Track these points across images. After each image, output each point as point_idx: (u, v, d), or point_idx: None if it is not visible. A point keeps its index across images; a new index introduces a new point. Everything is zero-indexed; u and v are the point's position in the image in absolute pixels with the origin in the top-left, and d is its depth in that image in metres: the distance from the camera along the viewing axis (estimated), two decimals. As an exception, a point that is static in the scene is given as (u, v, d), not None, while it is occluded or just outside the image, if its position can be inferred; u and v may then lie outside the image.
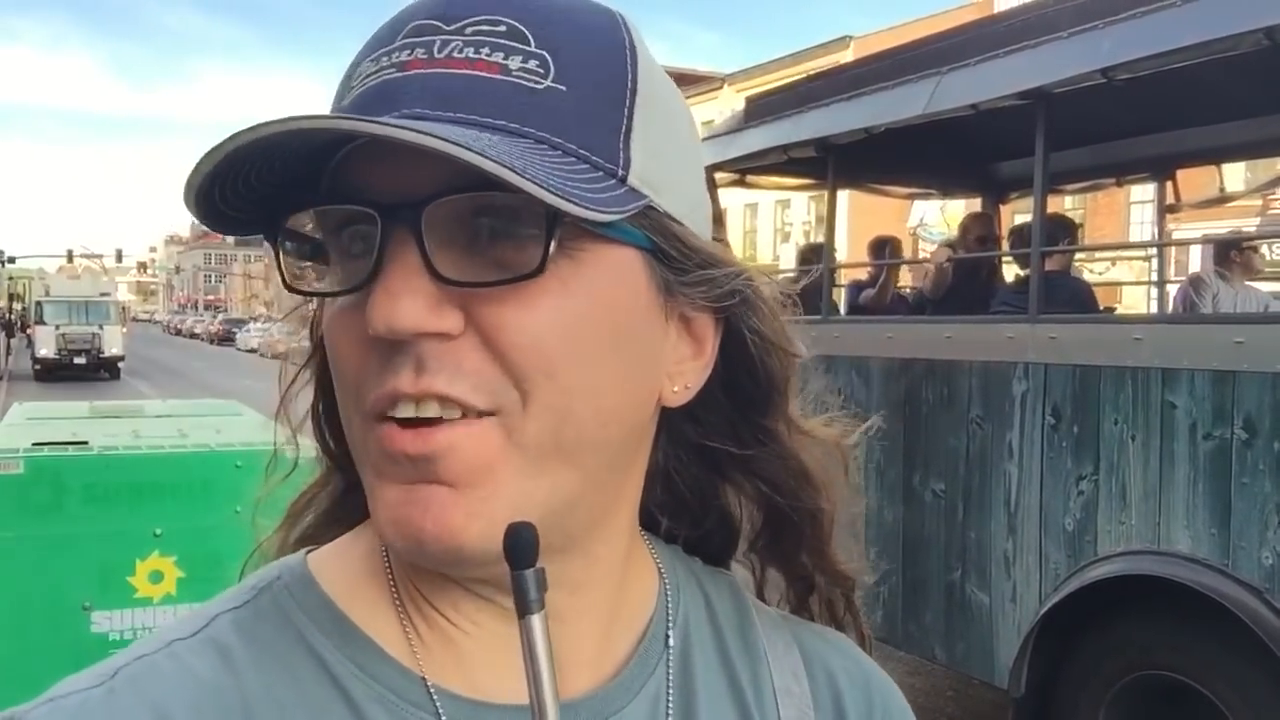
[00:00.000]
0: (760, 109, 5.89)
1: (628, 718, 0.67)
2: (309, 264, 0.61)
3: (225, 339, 62.72)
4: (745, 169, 6.13)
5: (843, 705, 0.75)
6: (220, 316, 79.58)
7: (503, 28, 0.58)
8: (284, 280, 0.60)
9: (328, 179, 0.59)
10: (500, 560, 0.56)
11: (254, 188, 0.56)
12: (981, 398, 4.37)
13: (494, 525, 0.56)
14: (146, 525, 3.50)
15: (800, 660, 0.75)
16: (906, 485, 4.77)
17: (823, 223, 6.26)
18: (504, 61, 0.57)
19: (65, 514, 3.41)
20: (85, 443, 3.69)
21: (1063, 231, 5.61)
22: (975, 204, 7.31)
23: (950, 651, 4.58)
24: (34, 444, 3.58)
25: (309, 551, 0.69)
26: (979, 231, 6.23)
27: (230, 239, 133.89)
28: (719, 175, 6.18)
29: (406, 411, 0.56)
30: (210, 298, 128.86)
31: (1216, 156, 6.26)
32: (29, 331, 35.94)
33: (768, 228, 37.82)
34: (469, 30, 0.58)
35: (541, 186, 0.51)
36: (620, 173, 0.59)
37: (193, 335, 74.99)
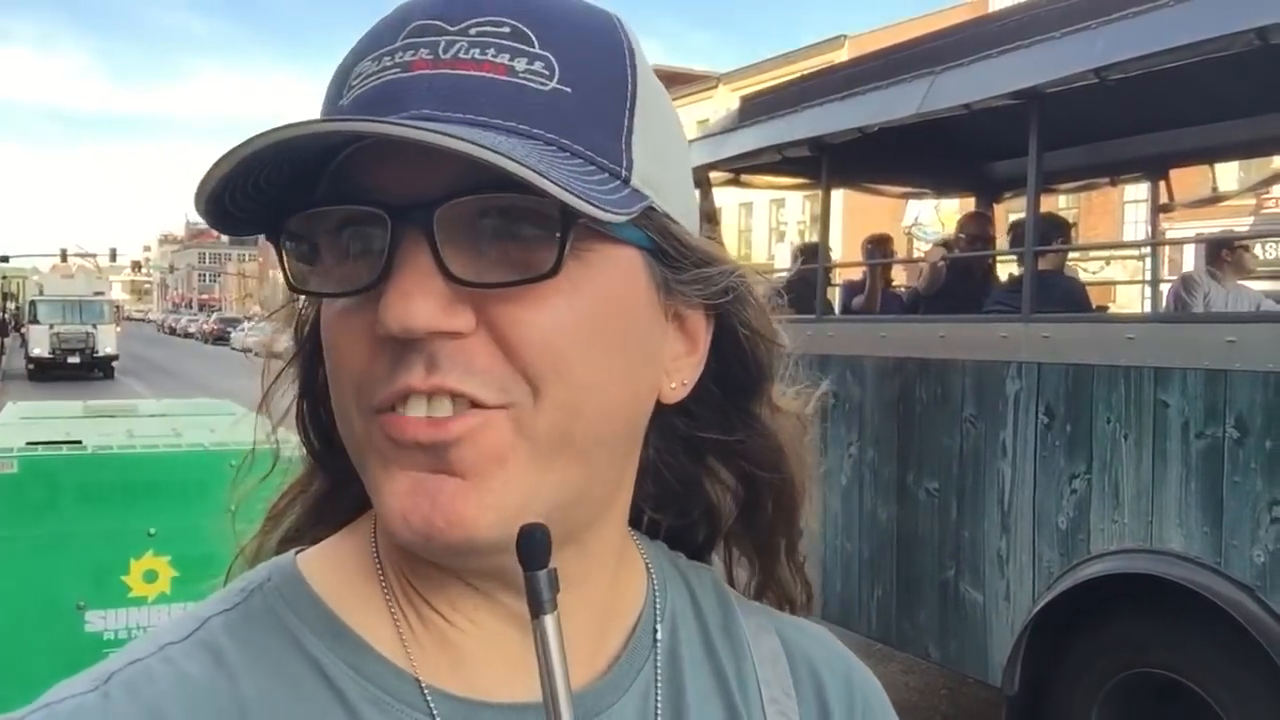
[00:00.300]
0: (754, 108, 5.90)
1: (618, 714, 0.67)
2: (307, 266, 0.61)
3: (220, 338, 62.58)
4: (740, 168, 6.14)
5: (825, 696, 0.76)
6: (215, 316, 79.43)
7: (506, 29, 0.58)
8: (288, 280, 0.60)
9: (327, 181, 0.59)
10: (505, 552, 0.56)
11: (262, 190, 0.57)
12: (975, 397, 4.38)
13: (504, 517, 0.57)
14: (141, 524, 3.50)
15: (783, 653, 0.76)
16: (900, 484, 4.77)
17: (817, 222, 6.27)
18: (510, 63, 0.57)
19: (60, 513, 3.41)
20: (79, 442, 3.68)
21: (1056, 231, 5.62)
22: (970, 204, 7.32)
23: (944, 650, 4.59)
24: (28, 443, 3.57)
25: (298, 552, 0.69)
26: (974, 231, 6.24)
27: (225, 238, 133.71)
28: (714, 174, 6.20)
29: (418, 408, 0.56)
30: (204, 297, 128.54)
31: (1209, 156, 6.27)
32: (23, 331, 35.88)
33: (763, 227, 37.83)
34: (473, 31, 0.58)
35: (563, 188, 0.52)
36: (624, 174, 0.59)
37: (187, 334, 74.89)
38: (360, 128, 0.52)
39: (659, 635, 0.72)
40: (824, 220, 5.58)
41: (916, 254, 11.37)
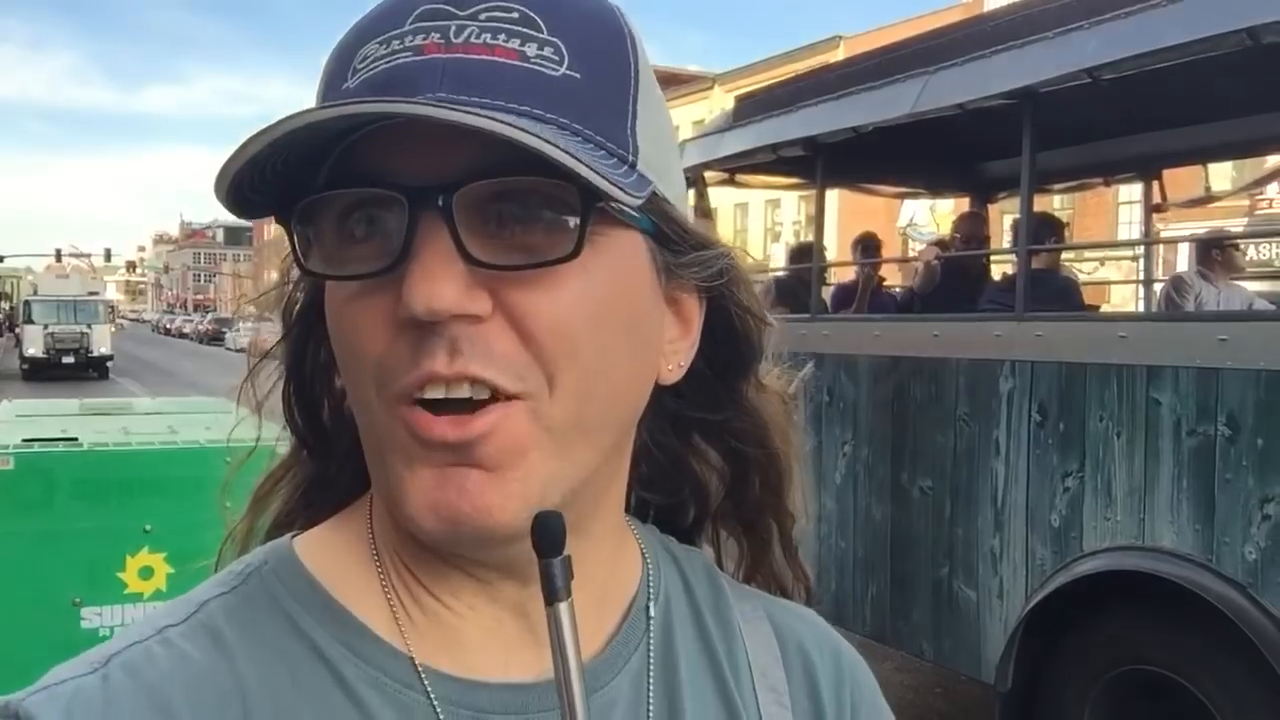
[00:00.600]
0: (749, 108, 5.91)
1: (612, 693, 0.68)
2: (312, 249, 0.61)
3: (215, 338, 62.52)
4: (735, 168, 6.14)
5: (815, 677, 0.77)
6: (210, 316, 79.33)
7: (515, 14, 0.58)
8: (299, 261, 0.60)
9: (335, 163, 0.59)
10: (522, 540, 0.57)
11: (280, 172, 0.57)
12: (969, 395, 4.40)
13: (526, 506, 0.58)
14: (137, 521, 3.51)
15: (773, 634, 0.77)
16: (894, 482, 4.79)
17: (812, 222, 6.28)
18: (520, 48, 0.57)
19: (55, 510, 3.42)
20: (75, 439, 3.69)
21: (1050, 230, 5.64)
22: (966, 204, 7.34)
23: (938, 648, 4.60)
24: (24, 440, 3.58)
25: (294, 536, 0.69)
26: (969, 231, 6.26)
27: (220, 238, 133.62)
28: (708, 174, 6.21)
29: (436, 393, 0.57)
30: (199, 297, 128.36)
31: (1203, 156, 6.31)
32: (17, 331, 35.82)
33: (758, 227, 37.86)
34: (482, 16, 0.58)
35: (592, 169, 0.53)
36: (631, 158, 0.60)
37: (182, 335, 74.79)
38: (399, 109, 0.52)
39: (653, 615, 0.73)
40: (819, 220, 5.60)
41: (912, 254, 11.40)
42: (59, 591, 3.42)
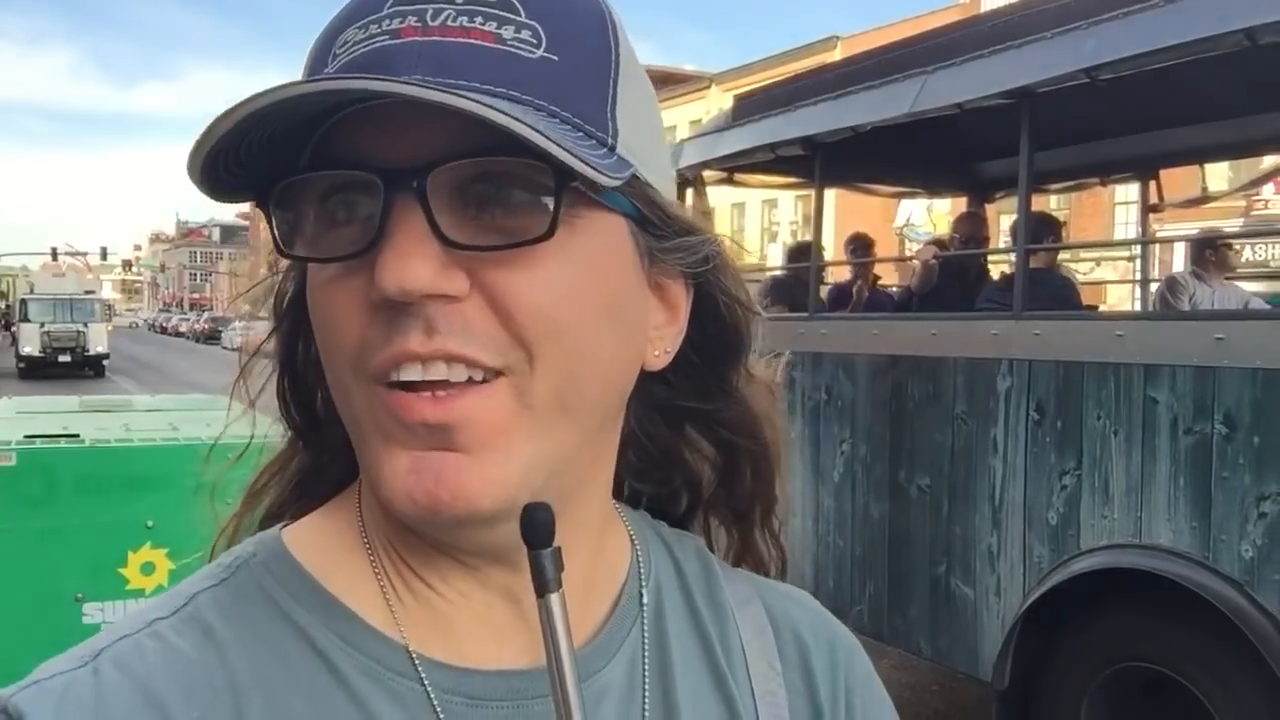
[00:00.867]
0: (748, 107, 5.92)
1: (606, 678, 0.68)
2: (293, 234, 0.60)
3: (211, 337, 62.42)
4: (733, 167, 6.16)
5: (809, 660, 0.77)
6: (205, 315, 79.21)
7: None
8: (277, 245, 0.60)
9: (314, 147, 0.59)
10: (506, 521, 0.58)
11: (255, 155, 0.56)
12: (966, 394, 4.41)
13: (507, 488, 0.58)
14: (139, 517, 3.51)
15: (766, 618, 0.77)
16: (892, 480, 4.80)
17: (809, 222, 6.30)
18: (497, 30, 0.57)
19: (58, 506, 3.42)
20: (77, 435, 3.69)
21: (1047, 230, 5.66)
22: (963, 204, 7.36)
23: (935, 645, 4.62)
24: (26, 436, 3.58)
25: (283, 527, 0.69)
26: (968, 231, 6.28)
27: (216, 237, 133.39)
28: (707, 174, 6.23)
29: (412, 373, 0.56)
30: (195, 296, 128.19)
31: (1200, 156, 6.32)
32: (13, 329, 35.74)
33: (755, 227, 37.89)
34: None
35: (566, 150, 0.53)
36: (610, 141, 0.60)
37: (178, 334, 74.67)
38: (373, 86, 0.52)
39: (645, 600, 0.73)
40: (817, 219, 5.61)
41: (909, 254, 11.43)
42: (61, 587, 3.43)
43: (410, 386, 0.57)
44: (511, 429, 0.58)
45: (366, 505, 0.67)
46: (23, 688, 0.57)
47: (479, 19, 0.57)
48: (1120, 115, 5.29)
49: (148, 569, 3.51)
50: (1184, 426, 3.58)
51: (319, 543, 0.67)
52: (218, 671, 0.59)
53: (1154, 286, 7.27)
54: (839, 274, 7.29)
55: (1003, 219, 11.41)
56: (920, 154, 6.10)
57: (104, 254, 73.86)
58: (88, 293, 35.60)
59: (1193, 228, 10.24)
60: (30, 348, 31.93)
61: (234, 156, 0.56)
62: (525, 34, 0.58)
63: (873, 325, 5.19)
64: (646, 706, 0.69)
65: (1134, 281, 8.54)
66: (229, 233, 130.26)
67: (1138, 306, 7.59)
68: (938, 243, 7.25)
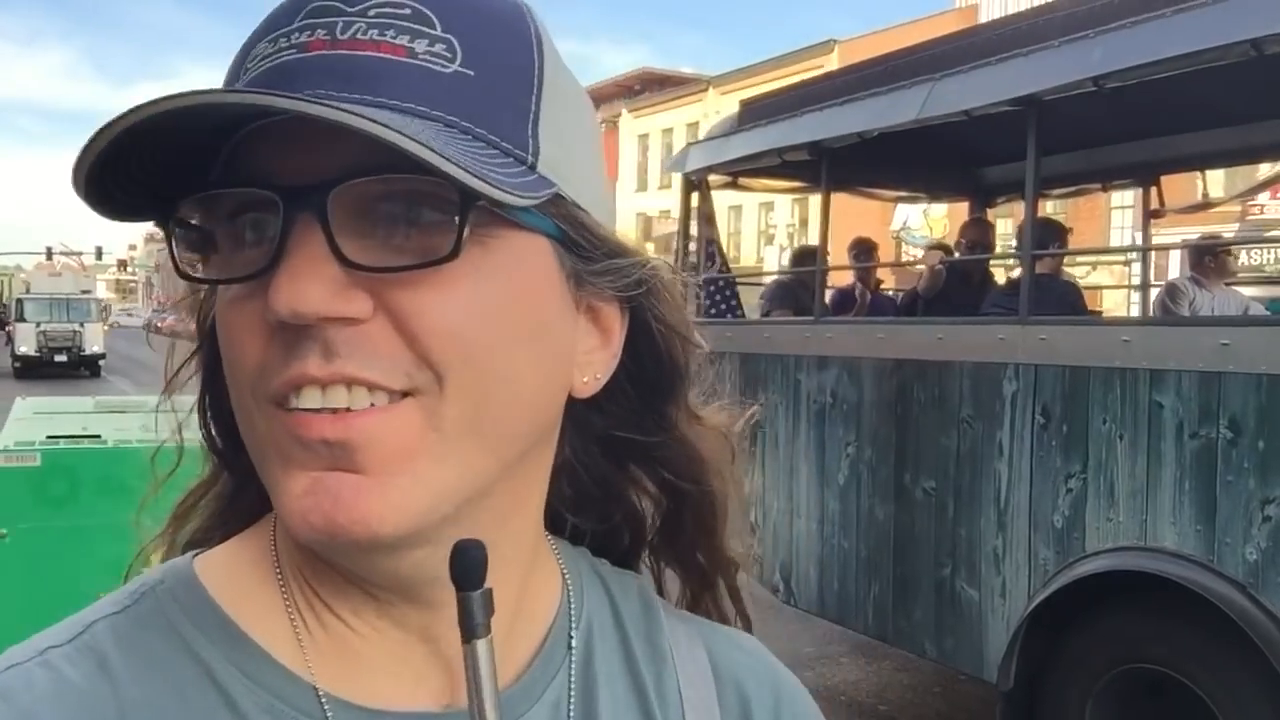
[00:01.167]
0: (754, 112, 5.96)
1: None
2: (199, 254, 0.58)
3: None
4: (739, 171, 6.20)
5: (749, 710, 0.74)
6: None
7: (407, 10, 0.56)
8: (177, 268, 0.58)
9: (221, 164, 0.57)
10: (413, 548, 0.57)
11: (149, 171, 0.54)
12: (972, 398, 4.45)
13: (410, 515, 0.55)
14: (161, 518, 3.53)
15: (708, 664, 0.74)
16: (898, 483, 4.84)
17: (806, 226, 6.34)
18: (409, 44, 0.55)
19: (80, 506, 3.44)
20: (98, 436, 3.72)
21: (1053, 236, 5.71)
22: (960, 208, 7.41)
23: (940, 646, 4.65)
24: (48, 437, 3.60)
25: (196, 554, 0.66)
26: (974, 236, 6.33)
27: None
28: (712, 177, 6.27)
29: (312, 399, 0.54)
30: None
31: (1202, 162, 6.37)
32: (9, 329, 35.66)
33: (751, 230, 37.91)
34: (372, 12, 0.56)
35: (460, 168, 0.50)
36: (529, 159, 0.58)
37: (174, 334, 74.42)
38: (258, 100, 0.50)
39: (573, 643, 0.70)
40: (824, 223, 5.65)
41: (905, 258, 11.47)
42: (84, 586, 3.43)
43: (311, 412, 0.55)
44: (418, 451, 0.55)
45: (280, 534, 0.64)
46: None
47: (390, 32, 0.55)
48: (1123, 122, 5.33)
49: (170, 568, 3.53)
50: (1189, 431, 3.62)
51: (230, 571, 0.64)
52: (108, 704, 0.57)
53: (1154, 292, 7.32)
54: (839, 278, 7.34)
55: (1000, 224, 11.43)
56: (924, 159, 6.15)
57: (99, 253, 73.69)
58: (84, 292, 35.52)
59: (1190, 233, 10.29)
60: (26, 347, 31.86)
61: (126, 173, 0.53)
62: (439, 48, 0.56)
63: (879, 329, 5.23)
64: None
65: (1129, 287, 8.60)
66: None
67: (1134, 311, 7.63)
68: (941, 247, 7.30)
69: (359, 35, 0.55)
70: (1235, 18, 3.51)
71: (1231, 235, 14.93)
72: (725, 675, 0.74)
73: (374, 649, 0.62)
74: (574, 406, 0.67)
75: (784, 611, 5.64)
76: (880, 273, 7.86)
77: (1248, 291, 7.49)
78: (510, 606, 0.65)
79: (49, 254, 58.91)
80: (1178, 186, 7.71)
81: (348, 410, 0.54)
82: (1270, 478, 3.39)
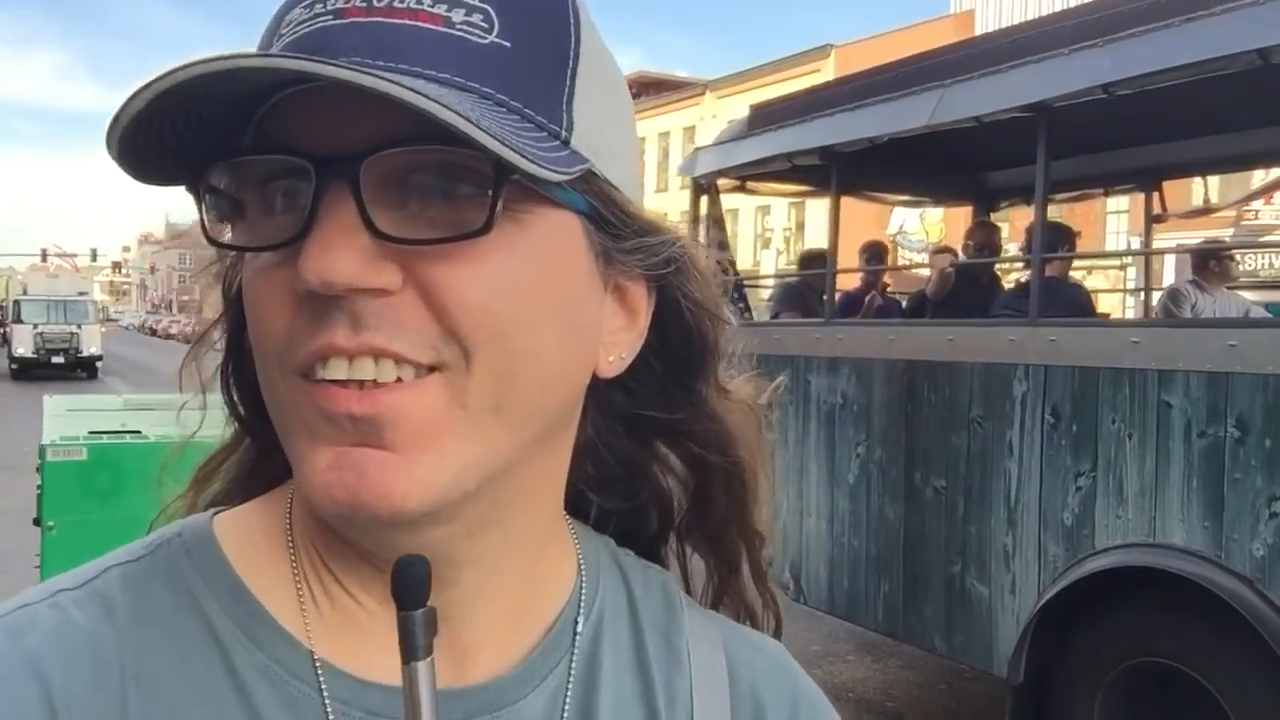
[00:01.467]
0: (764, 117, 6.03)
1: (523, 711, 0.64)
2: (228, 220, 0.58)
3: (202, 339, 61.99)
4: (748, 175, 6.28)
5: (764, 718, 0.73)
6: (197, 316, 78.47)
7: None
8: (205, 232, 0.57)
9: (252, 131, 0.56)
10: (435, 525, 0.57)
11: (182, 136, 0.54)
12: (982, 398, 4.52)
13: (435, 491, 0.55)
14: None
15: (725, 669, 0.73)
16: (908, 482, 4.91)
17: (802, 230, 6.43)
18: (446, 13, 0.54)
19: (126, 499, 3.49)
20: (139, 431, 3.78)
21: (1062, 239, 5.79)
22: (957, 213, 7.50)
23: (950, 642, 4.72)
24: (91, 432, 3.67)
25: (216, 512, 0.67)
26: (981, 239, 6.42)
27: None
28: (721, 181, 6.35)
29: (339, 370, 0.54)
30: (185, 298, 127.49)
31: (1203, 168, 6.47)
32: (5, 330, 35.63)
33: (748, 233, 37.96)
34: None
35: (498, 141, 0.50)
36: (563, 134, 0.57)
37: (168, 336, 74.40)
38: (293, 65, 0.49)
39: (579, 631, 0.68)
40: (833, 228, 5.73)
41: (901, 262, 11.55)
42: (131, 579, 3.51)
43: (340, 384, 0.54)
44: (444, 428, 0.55)
45: (297, 503, 0.64)
46: None
47: (427, 1, 0.54)
48: (1128, 128, 5.42)
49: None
50: (1197, 430, 3.69)
51: (246, 535, 0.64)
52: (109, 649, 0.57)
53: (1157, 295, 7.41)
54: (846, 280, 7.42)
55: (1004, 228, 11.52)
56: (931, 164, 6.23)
57: (94, 255, 73.68)
58: (81, 294, 35.49)
59: (1187, 238, 10.39)
60: (23, 349, 31.82)
61: (158, 137, 0.53)
62: (476, 18, 0.55)
63: (889, 331, 5.31)
64: None
65: (1125, 291, 8.68)
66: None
67: (1132, 314, 7.71)
68: (946, 250, 7.40)
69: (396, 3, 0.54)
70: (1241, 27, 3.58)
71: (1229, 240, 15.04)
72: (742, 682, 0.73)
73: (377, 624, 0.62)
74: (597, 385, 0.66)
75: (790, 610, 5.71)
76: (885, 275, 7.94)
77: (1249, 295, 7.58)
78: (519, 589, 0.65)
79: (43, 256, 58.85)
80: (1180, 191, 7.81)
81: (374, 384, 0.53)
82: (1277, 475, 3.46)
